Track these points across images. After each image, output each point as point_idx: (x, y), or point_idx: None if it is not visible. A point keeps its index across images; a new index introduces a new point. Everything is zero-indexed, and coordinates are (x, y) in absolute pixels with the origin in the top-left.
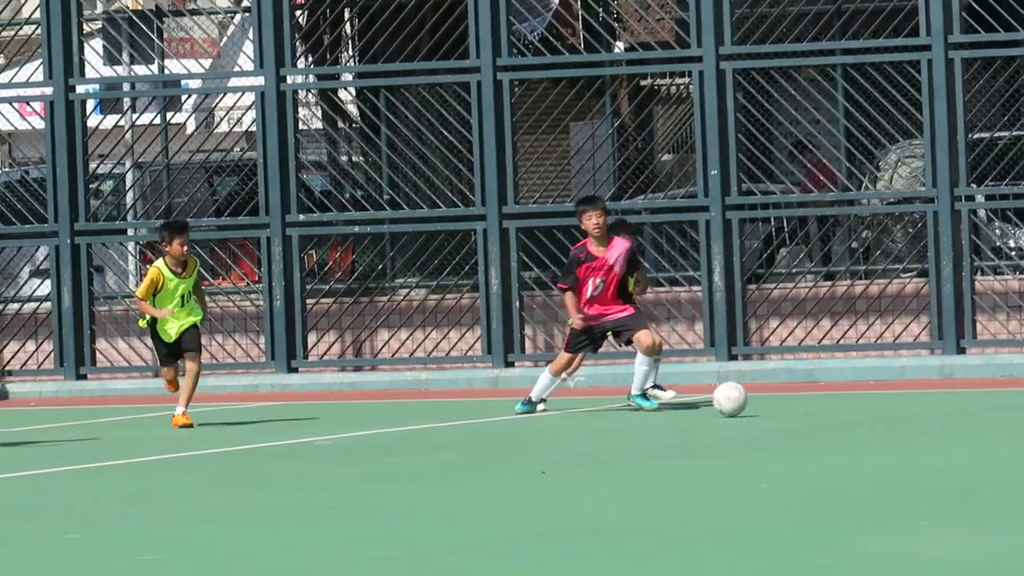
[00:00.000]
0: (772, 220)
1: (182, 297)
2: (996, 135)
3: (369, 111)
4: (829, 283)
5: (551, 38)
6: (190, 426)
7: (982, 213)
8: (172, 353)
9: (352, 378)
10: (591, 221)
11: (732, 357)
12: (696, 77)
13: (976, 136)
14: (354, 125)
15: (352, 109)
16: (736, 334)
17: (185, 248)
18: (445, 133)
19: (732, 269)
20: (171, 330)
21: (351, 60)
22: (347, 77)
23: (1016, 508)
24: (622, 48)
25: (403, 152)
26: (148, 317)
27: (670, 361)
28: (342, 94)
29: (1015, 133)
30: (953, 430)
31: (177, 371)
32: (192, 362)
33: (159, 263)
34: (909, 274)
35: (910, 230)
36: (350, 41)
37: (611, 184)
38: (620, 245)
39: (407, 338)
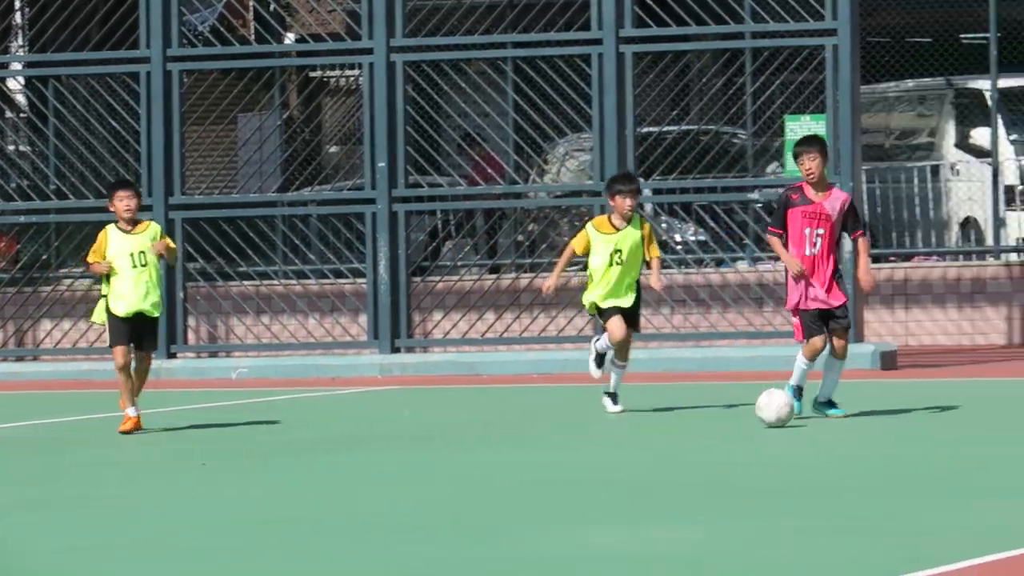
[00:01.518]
0: (439, 213)
1: (132, 256)
2: (664, 130)
3: (37, 100)
4: (494, 276)
5: (222, 29)
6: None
7: (649, 207)
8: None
9: (15, 368)
10: (803, 166)
11: (395, 350)
12: (366, 69)
13: (644, 131)
14: (21, 115)
15: (20, 98)
16: (400, 326)
17: (125, 206)
18: (113, 123)
19: (397, 261)
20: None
21: (20, 49)
22: (16, 66)
23: (685, 502)
24: (292, 39)
25: (71, 142)
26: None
27: (333, 354)
28: (10, 83)
29: (683, 128)
30: (623, 425)
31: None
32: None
33: (109, 226)
34: (574, 268)
35: (576, 223)
36: (20, 30)
37: (278, 176)
38: (839, 195)
39: (71, 328)
